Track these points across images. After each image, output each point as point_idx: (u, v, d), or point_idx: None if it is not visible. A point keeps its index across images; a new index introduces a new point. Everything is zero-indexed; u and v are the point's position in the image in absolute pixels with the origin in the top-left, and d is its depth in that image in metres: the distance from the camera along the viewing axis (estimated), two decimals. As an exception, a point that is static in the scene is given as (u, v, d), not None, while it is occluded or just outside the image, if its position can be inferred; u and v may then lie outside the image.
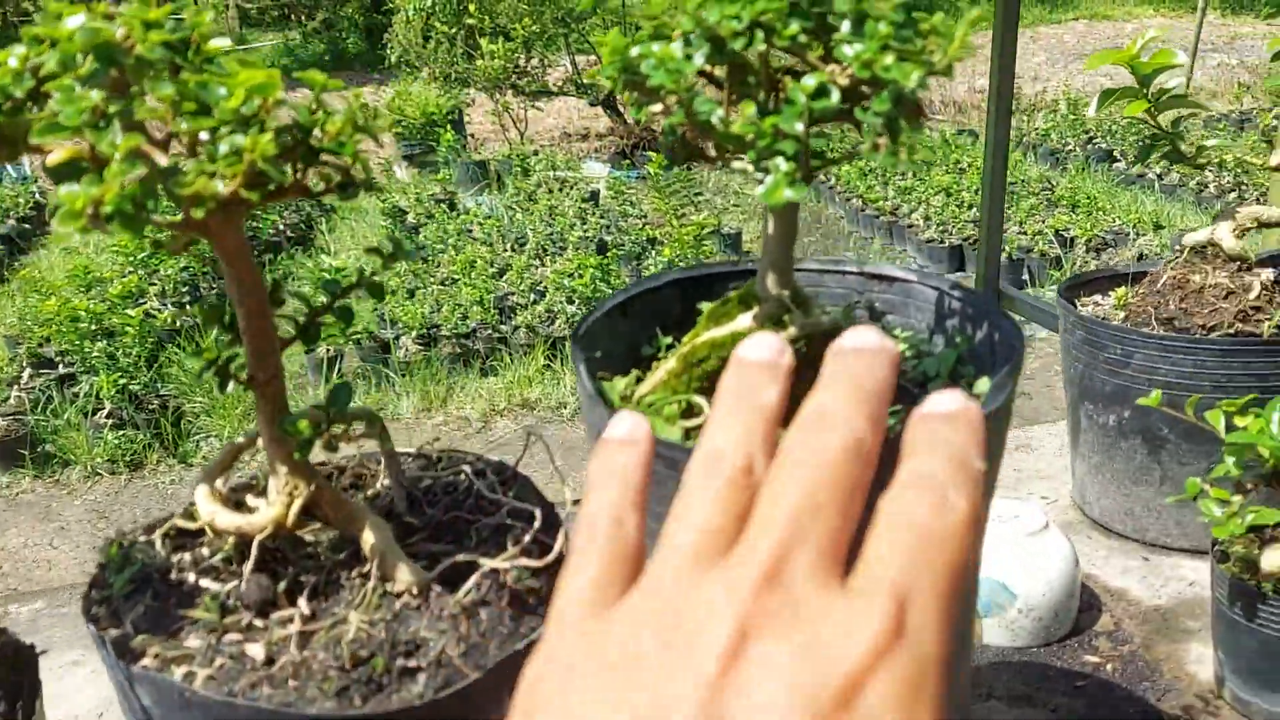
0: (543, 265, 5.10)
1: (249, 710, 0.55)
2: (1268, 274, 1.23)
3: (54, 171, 0.53)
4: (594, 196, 7.39)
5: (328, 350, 4.91)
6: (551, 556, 0.65)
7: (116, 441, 3.51)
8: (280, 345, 0.62)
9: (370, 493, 0.73)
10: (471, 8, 10.19)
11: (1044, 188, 6.28)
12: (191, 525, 0.65)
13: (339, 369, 4.88)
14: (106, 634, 0.60)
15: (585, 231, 5.84)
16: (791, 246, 0.66)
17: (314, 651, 0.59)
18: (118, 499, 3.33)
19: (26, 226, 9.04)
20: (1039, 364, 3.77)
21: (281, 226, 7.95)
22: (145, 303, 4.94)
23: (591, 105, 11.27)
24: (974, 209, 5.86)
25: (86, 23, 0.53)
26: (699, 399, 0.66)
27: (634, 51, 0.58)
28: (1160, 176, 5.45)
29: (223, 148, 0.53)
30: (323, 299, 0.65)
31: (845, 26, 0.56)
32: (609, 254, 5.32)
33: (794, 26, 0.55)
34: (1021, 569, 1.08)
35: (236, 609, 0.62)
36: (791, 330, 0.65)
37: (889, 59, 0.54)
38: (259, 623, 0.61)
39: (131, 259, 6.14)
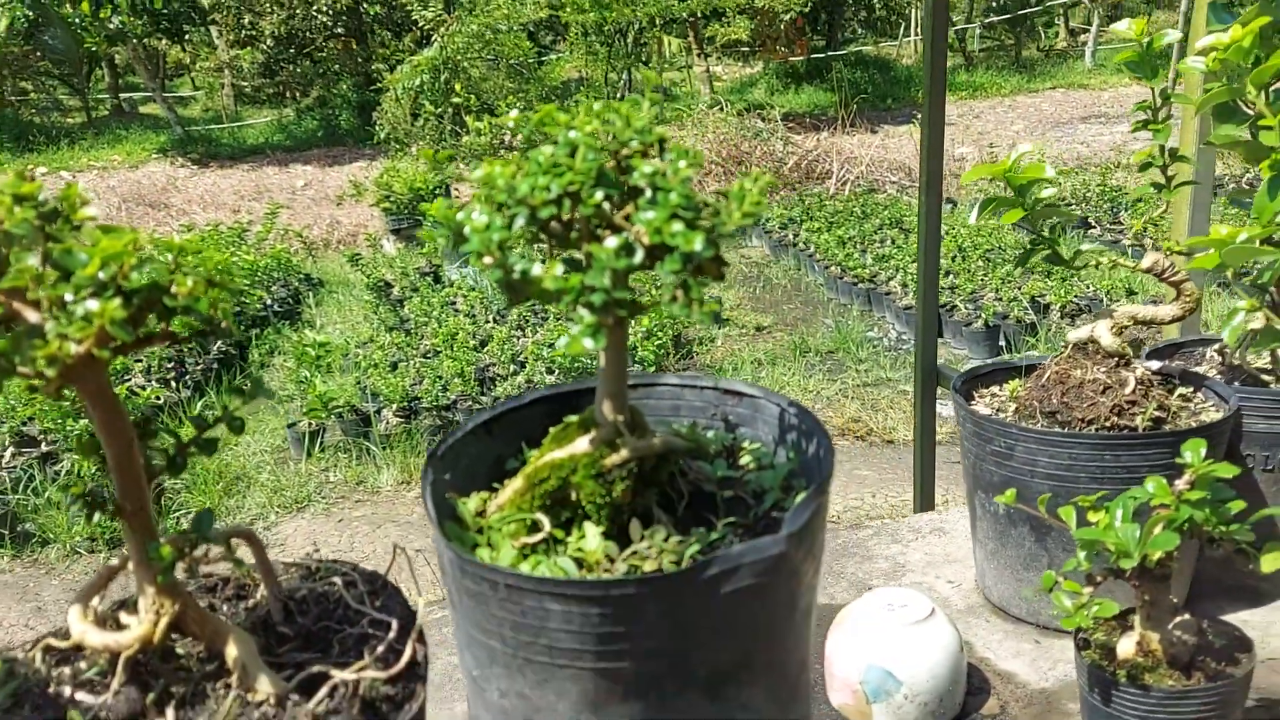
0: (524, 336, 5.18)
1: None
2: (1144, 369, 1.30)
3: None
4: (411, 666, 7.42)
5: (309, 424, 4.96)
6: (400, 666, 0.70)
7: (97, 520, 3.54)
8: (151, 475, 0.69)
9: (250, 603, 0.78)
10: (458, 87, 10.43)
11: (1020, 250, 6.40)
12: (63, 645, 0.71)
13: (321, 442, 4.93)
14: (-17, 745, 0.65)
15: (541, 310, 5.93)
16: (624, 376, 0.73)
17: (172, 763, 0.65)
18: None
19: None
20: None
21: (269, 301, 8.05)
22: (129, 379, 5.00)
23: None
24: (951, 275, 5.97)
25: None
26: (540, 516, 0.72)
27: (459, 217, 0.65)
28: (1133, 246, 5.57)
29: (78, 311, 0.60)
30: (190, 435, 0.71)
31: (646, 194, 0.63)
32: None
33: (598, 196, 0.63)
34: (907, 657, 1.13)
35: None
36: (624, 453, 0.72)
37: (677, 226, 0.61)
38: (124, 732, 0.67)
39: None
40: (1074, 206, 8.17)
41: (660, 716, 0.66)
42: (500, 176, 0.64)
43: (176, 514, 3.70)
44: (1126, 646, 1.01)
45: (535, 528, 0.73)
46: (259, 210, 8.27)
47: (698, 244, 0.61)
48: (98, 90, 18.04)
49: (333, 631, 0.76)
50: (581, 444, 0.73)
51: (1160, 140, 1.27)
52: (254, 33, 16.25)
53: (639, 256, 0.63)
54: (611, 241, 0.63)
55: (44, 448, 4.10)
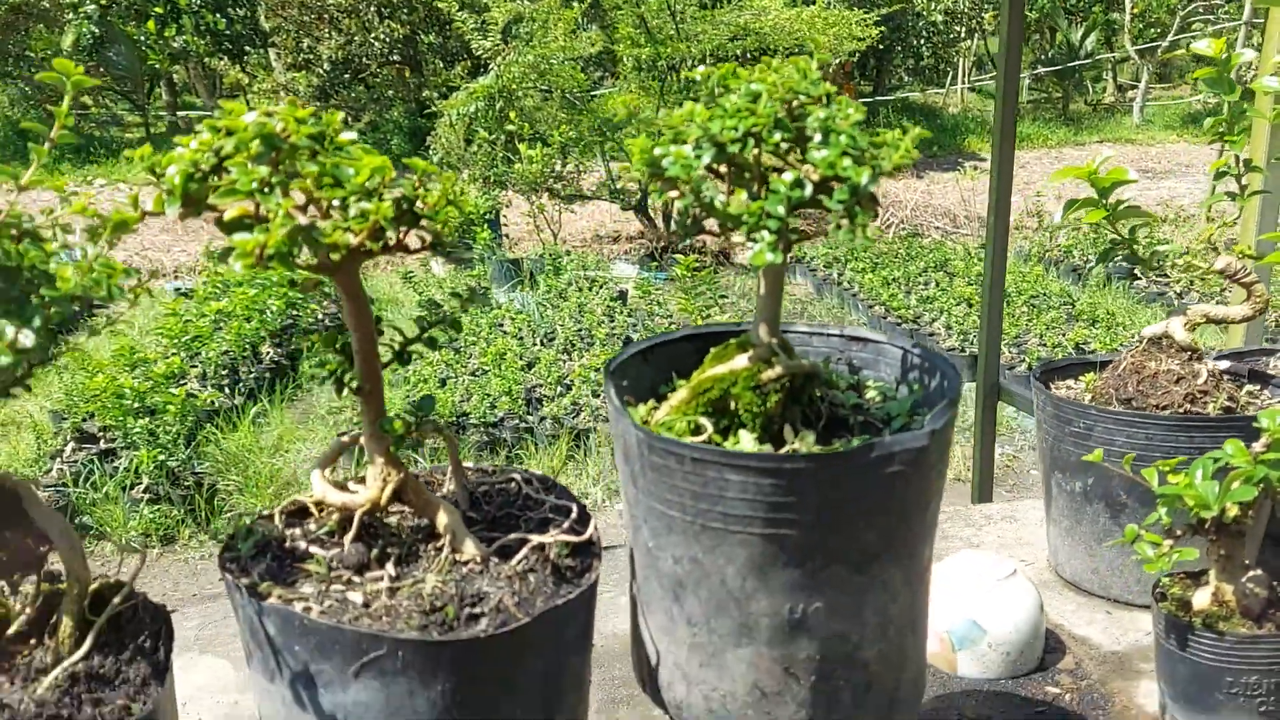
0: (570, 360, 5.30)
1: (352, 634, 0.72)
2: (1214, 364, 1.40)
3: (226, 225, 0.73)
4: (622, 296, 7.66)
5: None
6: (584, 537, 0.82)
7: (152, 515, 3.67)
8: (381, 365, 0.81)
9: (440, 494, 0.90)
10: (513, 115, 10.67)
11: (1064, 302, 6.46)
12: (310, 500, 0.83)
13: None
14: (240, 581, 0.77)
15: (613, 329, 6.06)
16: (779, 303, 0.85)
17: (400, 600, 0.76)
18: (148, 572, 3.46)
19: (75, 309, 9.38)
20: (1028, 448, 3.89)
21: (320, 316, 8.23)
22: (186, 383, 5.18)
23: (624, 209, 11.63)
24: (992, 318, 6.03)
25: (256, 119, 0.73)
26: (703, 419, 0.83)
27: (657, 151, 0.77)
28: (1180, 295, 5.62)
29: (353, 210, 0.72)
30: (415, 331, 0.83)
31: (816, 138, 0.75)
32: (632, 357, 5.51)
33: (776, 136, 0.75)
34: (991, 609, 1.23)
35: (339, 569, 0.79)
36: (778, 369, 0.83)
37: (847, 162, 0.73)
38: (356, 579, 0.78)
39: (175, 342, 6.43)
40: (1119, 258, 8.24)
41: (813, 584, 0.76)
42: (697, 116, 0.76)
43: (227, 514, 3.84)
44: (1202, 598, 1.10)
45: (697, 430, 0.84)
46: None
47: (865, 177, 0.72)
48: (156, 107, 18.55)
49: (515, 517, 0.87)
50: (740, 360, 0.85)
51: (1236, 151, 1.37)
52: (311, 56, 16.65)
53: (809, 190, 0.75)
54: (788, 176, 0.74)
55: (103, 444, 4.26)
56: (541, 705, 0.80)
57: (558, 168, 11.52)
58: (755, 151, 0.76)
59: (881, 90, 18.65)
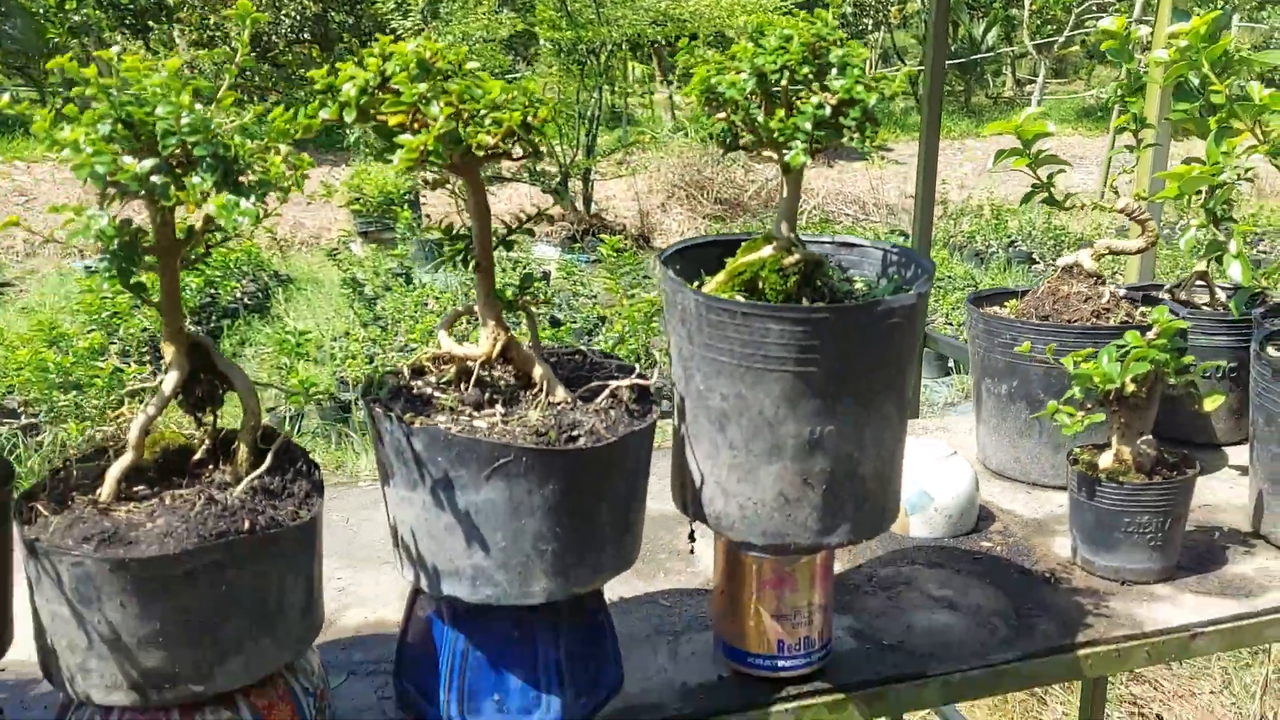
0: (497, 337, 5.50)
1: (486, 445, 0.94)
2: (1114, 289, 1.69)
3: (388, 130, 0.94)
4: (545, 277, 7.84)
5: (288, 409, 5.24)
6: (649, 383, 1.05)
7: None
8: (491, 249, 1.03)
9: (519, 362, 1.12)
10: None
11: (968, 284, 6.91)
12: (427, 358, 1.04)
13: (299, 427, 5.20)
14: (390, 411, 0.98)
15: (539, 310, 6.27)
16: (797, 205, 1.09)
17: (513, 427, 0.98)
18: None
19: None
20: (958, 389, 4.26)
21: (240, 294, 8.26)
22: (108, 359, 5.23)
23: (544, 191, 11.82)
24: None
25: (413, 47, 0.95)
26: (738, 295, 1.07)
27: (713, 80, 1.01)
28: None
29: (489, 120, 0.94)
30: (514, 225, 1.06)
31: (834, 70, 1.00)
32: (562, 329, 5.75)
33: (805, 69, 0.99)
34: (937, 481, 1.50)
35: (461, 407, 1.01)
36: (797, 255, 1.08)
37: (860, 88, 0.97)
38: (476, 414, 1.00)
39: (94, 318, 6.44)
40: (1019, 243, 8.77)
41: (828, 412, 1.01)
42: (744, 53, 1.00)
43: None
44: (1106, 459, 1.38)
45: (733, 305, 1.08)
46: (220, 206, 8.45)
47: (874, 99, 0.97)
48: (53, 83, 18.00)
49: (585, 377, 1.10)
50: (767, 250, 1.09)
51: (1134, 111, 1.67)
52: (217, 34, 16.36)
53: (828, 111, 0.99)
54: (814, 99, 0.99)
55: (24, 419, 4.30)
56: (624, 510, 1.03)
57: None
58: (786, 81, 1.00)
59: (792, 79, 19.07)
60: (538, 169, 11.58)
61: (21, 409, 4.96)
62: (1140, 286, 1.95)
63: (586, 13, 11.46)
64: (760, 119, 1.00)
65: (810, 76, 1.00)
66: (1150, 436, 1.38)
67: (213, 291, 7.63)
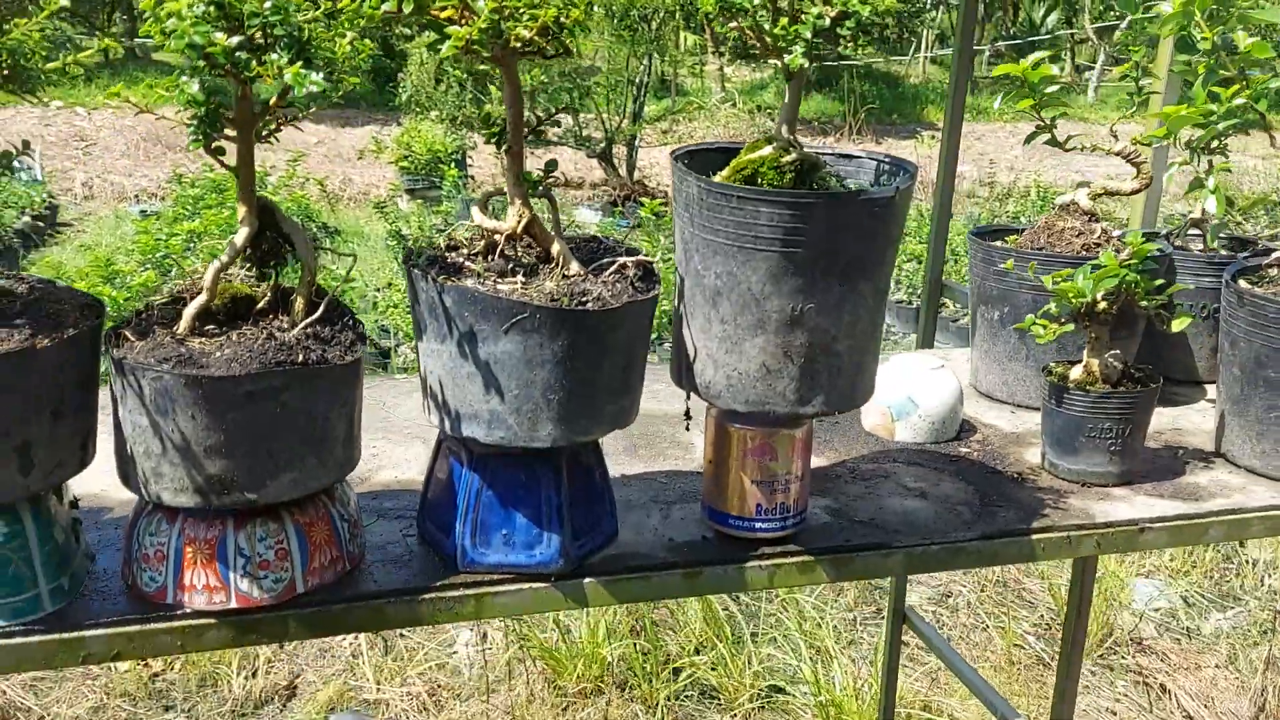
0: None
1: (507, 302, 1.09)
2: (1107, 226, 1.81)
3: (438, 23, 1.08)
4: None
5: None
6: (652, 260, 1.19)
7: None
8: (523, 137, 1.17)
9: (541, 245, 1.27)
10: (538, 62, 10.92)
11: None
12: (461, 235, 1.19)
13: None
14: (427, 273, 1.13)
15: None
16: (797, 110, 1.22)
17: (531, 293, 1.13)
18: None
19: (40, 224, 9.54)
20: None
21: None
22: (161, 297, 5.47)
23: (588, 156, 11.95)
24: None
25: (459, -48, 1.09)
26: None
27: (728, -8, 1.14)
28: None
29: (526, 16, 1.08)
30: (542, 114, 1.20)
31: (831, -12, 1.12)
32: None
33: (805, -15, 1.12)
34: (923, 389, 1.63)
35: (487, 274, 1.16)
36: (794, 154, 1.21)
37: (855, 1, 1.10)
38: (500, 280, 1.15)
39: (149, 258, 6.68)
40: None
41: (809, 289, 1.15)
42: (751, -29, 1.13)
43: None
44: (1077, 372, 1.51)
45: (732, 199, 1.21)
46: (272, 160, 8.70)
47: (866, 11, 1.10)
48: (114, 34, 18.38)
49: (598, 258, 1.24)
50: (766, 150, 1.22)
51: (1136, 59, 1.78)
52: None
53: (827, 21, 1.12)
54: (815, 9, 1.12)
55: None
56: (622, 370, 1.17)
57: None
58: (788, -4, 1.13)
59: (846, 55, 19.00)
60: (583, 134, 11.71)
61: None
62: (1147, 233, 2.05)
63: (637, -21, 11.53)
64: (766, 26, 1.13)
65: (810, -8, 1.13)
66: (1118, 351, 1.50)
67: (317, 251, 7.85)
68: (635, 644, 3.45)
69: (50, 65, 1.04)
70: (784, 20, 1.12)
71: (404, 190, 11.01)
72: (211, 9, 1.02)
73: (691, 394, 1.28)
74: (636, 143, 11.83)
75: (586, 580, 1.24)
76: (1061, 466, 1.52)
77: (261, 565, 1.13)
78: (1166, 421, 1.76)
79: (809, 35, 1.11)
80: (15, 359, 1.01)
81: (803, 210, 1.11)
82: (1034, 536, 1.38)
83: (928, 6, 18.69)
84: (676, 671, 3.39)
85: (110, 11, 17.67)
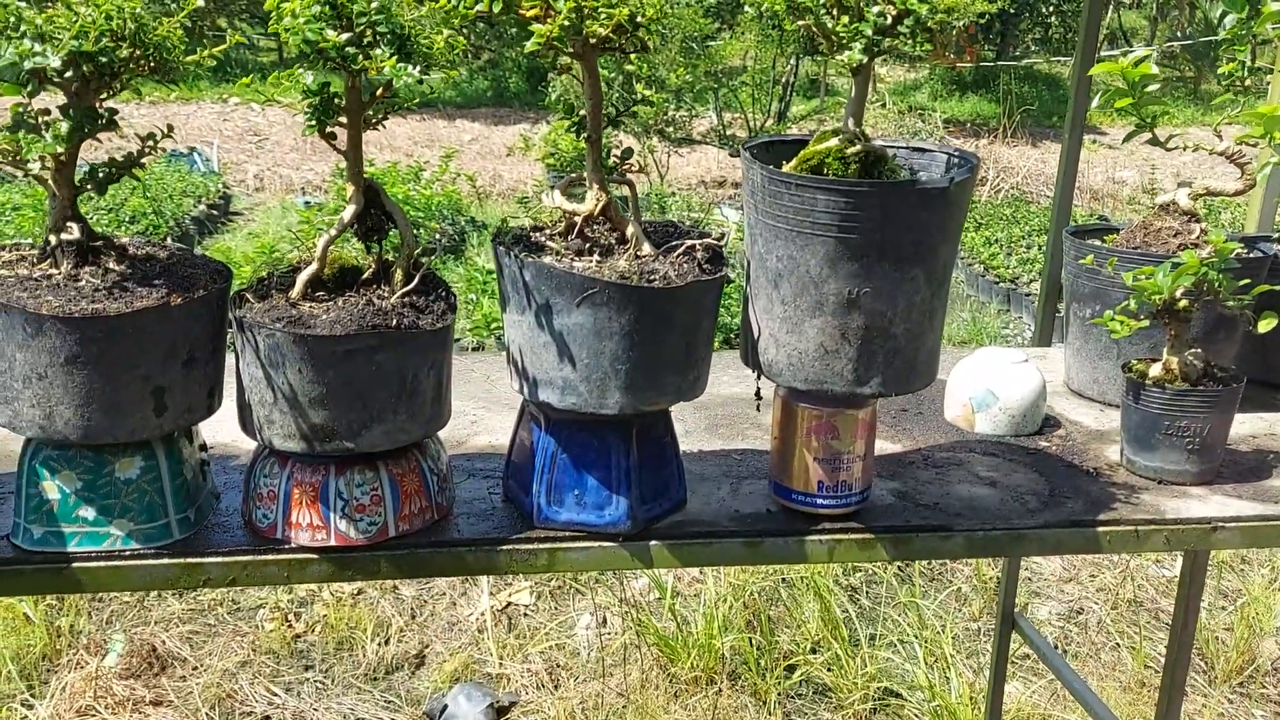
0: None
1: (580, 278, 1.19)
2: (1207, 225, 1.78)
3: (524, 21, 1.19)
4: (722, 238, 8.05)
5: (472, 341, 5.71)
6: (721, 244, 1.27)
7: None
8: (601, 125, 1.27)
9: (622, 228, 1.36)
10: (633, 55, 11.13)
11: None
12: (545, 216, 1.30)
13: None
14: (511, 250, 1.24)
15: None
16: (863, 103, 1.28)
17: (604, 270, 1.23)
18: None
19: (214, 212, 10.23)
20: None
21: (438, 235, 8.86)
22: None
23: (731, 155, 12.00)
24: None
25: (547, -43, 1.19)
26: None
27: (792, -8, 1.21)
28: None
29: (603, 15, 1.18)
30: (621, 109, 1.29)
31: (895, -12, 1.18)
32: (732, 285, 5.97)
33: (869, -15, 1.18)
34: (1004, 383, 1.65)
35: (565, 252, 1.26)
36: (858, 146, 1.27)
37: (913, 1, 1.16)
38: (577, 259, 1.25)
39: (305, 245, 7.09)
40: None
41: (865, 274, 1.20)
42: (819, -28, 1.20)
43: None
44: (1156, 369, 1.51)
45: (800, 188, 1.28)
46: (428, 156, 9.07)
47: (926, 10, 1.15)
48: (291, 34, 19.39)
49: (671, 240, 1.33)
50: (833, 141, 1.29)
51: (1241, 58, 1.74)
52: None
53: (888, 20, 1.18)
54: (875, 8, 1.18)
55: None
56: (686, 347, 1.26)
57: (670, 112, 11.88)
58: (852, -5, 1.19)
59: (1005, 56, 18.45)
60: (726, 133, 11.78)
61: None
62: (1253, 236, 2.01)
63: (791, -20, 11.52)
64: (828, 24, 1.20)
65: (873, -8, 1.19)
66: (1199, 350, 1.49)
67: (415, 231, 8.25)
68: (750, 638, 3.51)
69: (189, 58, 1.19)
70: (845, 19, 1.19)
71: (549, 187, 11.30)
72: (325, 8, 1.16)
73: (758, 373, 1.35)
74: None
75: (652, 543, 1.33)
76: (1139, 463, 1.52)
77: (358, 509, 1.27)
78: (1264, 426, 1.73)
79: (870, 33, 1.17)
80: (153, 313, 1.17)
81: (856, 197, 1.17)
82: (1100, 529, 1.39)
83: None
84: (790, 668, 3.44)
85: (287, 15, 18.70)
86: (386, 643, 3.61)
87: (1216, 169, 11.62)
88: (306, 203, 10.07)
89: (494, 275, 6.46)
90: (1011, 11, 17.08)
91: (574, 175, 1.32)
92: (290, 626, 3.67)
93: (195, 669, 3.42)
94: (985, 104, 16.70)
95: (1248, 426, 1.72)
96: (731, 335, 5.59)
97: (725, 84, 12.07)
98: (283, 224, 9.48)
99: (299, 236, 7.19)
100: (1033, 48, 19.39)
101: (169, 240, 1.35)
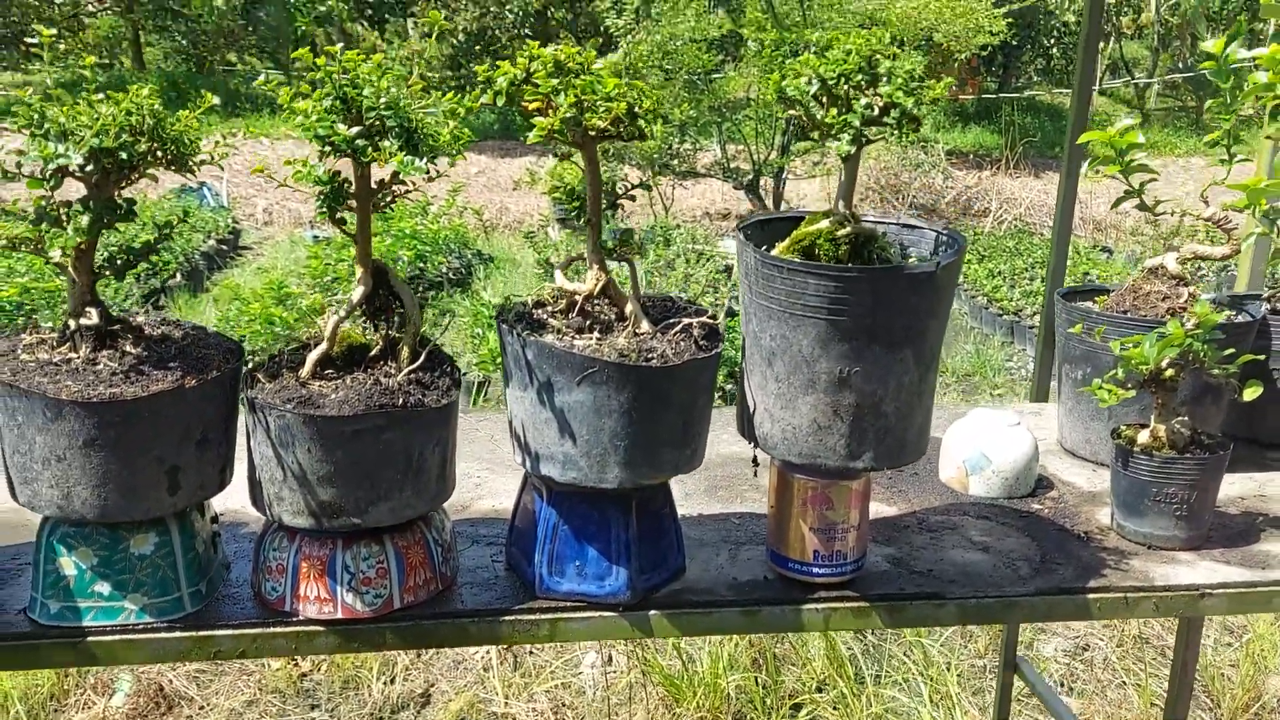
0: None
1: (580, 357, 1.23)
2: (1195, 290, 1.82)
3: (528, 113, 1.24)
4: (727, 270, 8.12)
5: (478, 375, 5.75)
6: (715, 323, 1.31)
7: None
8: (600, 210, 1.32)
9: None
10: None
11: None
12: (547, 294, 1.34)
13: (485, 393, 5.70)
14: (513, 328, 1.28)
15: (716, 299, 6.54)
16: (853, 187, 1.32)
17: (603, 348, 1.27)
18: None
19: (224, 247, 10.32)
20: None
21: (445, 269, 8.93)
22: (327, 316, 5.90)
23: (735, 188, 12.09)
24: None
25: (551, 51, 1.24)
26: (796, 257, 1.32)
27: (783, 83, 1.26)
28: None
29: (602, 108, 1.22)
30: (620, 193, 1.34)
31: (884, 78, 1.23)
32: (736, 318, 6.03)
33: (859, 77, 1.23)
34: (997, 445, 1.69)
35: (567, 330, 1.30)
36: (849, 229, 1.31)
37: (901, 93, 1.20)
38: (577, 336, 1.29)
39: (318, 281, 7.19)
40: (1233, 269, 8.39)
41: (856, 355, 1.24)
42: (810, 63, 1.25)
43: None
44: (1144, 436, 1.54)
45: (793, 267, 1.32)
46: (434, 189, 9.17)
47: (911, 103, 1.20)
48: (297, 67, 19.70)
49: (670, 316, 1.37)
50: (824, 223, 1.33)
51: (1225, 126, 1.79)
52: (446, 26, 17.38)
53: (875, 111, 1.22)
54: (863, 101, 1.22)
55: (250, 366, 4.92)
56: (683, 422, 1.30)
57: (674, 145, 11.98)
58: (845, 86, 1.24)
59: (1007, 87, 18.58)
60: (730, 166, 11.87)
61: (250, 357, 5.66)
62: (1242, 295, 2.05)
63: (793, 15, 11.64)
64: (818, 114, 1.24)
65: (864, 83, 1.23)
66: (1185, 418, 1.53)
67: (421, 265, 8.32)
68: (756, 677, 3.53)
69: (203, 153, 1.23)
70: (833, 111, 1.23)
71: (555, 220, 11.40)
72: (336, 103, 1.21)
73: (754, 444, 1.39)
74: (784, 175, 11.90)
75: (651, 612, 1.36)
76: (1129, 528, 1.55)
77: (364, 581, 1.30)
78: (1253, 487, 1.76)
79: (857, 124, 1.21)
80: (169, 396, 1.21)
81: (846, 282, 1.21)
82: (1089, 595, 1.42)
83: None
84: (796, 707, 3.45)
85: (295, 47, 18.97)
86: (392, 681, 3.63)
87: (1219, 198, 11.68)
88: (315, 237, 10.16)
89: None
90: (1014, 44, 17.21)
91: (574, 255, 1.37)
92: (296, 665, 3.69)
93: (202, 708, 3.45)
94: (988, 135, 16.81)
95: (1237, 487, 1.75)
96: (730, 390, 5.63)
97: (729, 118, 12.17)
98: (291, 258, 9.57)
99: (308, 272, 7.28)
100: (1035, 78, 19.54)
101: (178, 276, 1.39)
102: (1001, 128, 16.06)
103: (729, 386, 5.61)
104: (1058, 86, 19.11)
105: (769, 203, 11.84)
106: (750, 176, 11.59)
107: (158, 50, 18.97)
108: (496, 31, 17.35)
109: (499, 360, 5.49)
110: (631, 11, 12.54)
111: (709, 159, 12.51)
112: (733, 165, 11.99)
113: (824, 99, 1.26)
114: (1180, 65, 19.35)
